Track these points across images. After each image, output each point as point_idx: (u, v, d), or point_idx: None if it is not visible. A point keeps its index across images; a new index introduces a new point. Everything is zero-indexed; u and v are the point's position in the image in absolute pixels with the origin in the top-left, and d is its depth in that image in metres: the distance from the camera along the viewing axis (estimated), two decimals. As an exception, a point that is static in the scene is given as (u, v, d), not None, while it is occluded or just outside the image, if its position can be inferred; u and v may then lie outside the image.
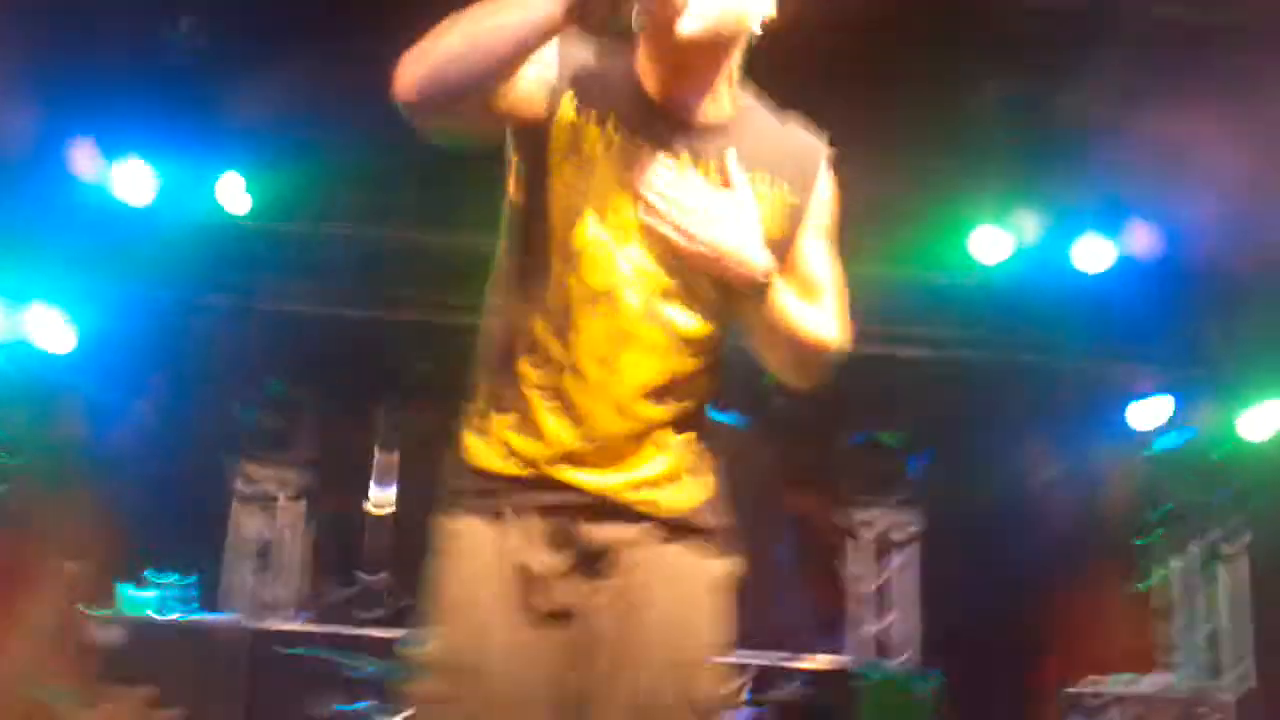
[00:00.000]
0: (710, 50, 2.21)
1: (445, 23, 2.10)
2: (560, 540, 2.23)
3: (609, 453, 2.25)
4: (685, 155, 2.24)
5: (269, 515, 7.56)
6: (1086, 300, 7.00)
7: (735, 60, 2.28)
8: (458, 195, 6.98)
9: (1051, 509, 7.46)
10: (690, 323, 2.25)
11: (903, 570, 7.80)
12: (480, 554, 2.24)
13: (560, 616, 2.21)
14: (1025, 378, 7.36)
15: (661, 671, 2.20)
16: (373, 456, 7.12)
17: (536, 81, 2.20)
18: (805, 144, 2.36)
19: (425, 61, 2.10)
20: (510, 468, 2.26)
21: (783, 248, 2.28)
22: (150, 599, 6.68)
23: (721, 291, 2.24)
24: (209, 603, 7.09)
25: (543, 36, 2.08)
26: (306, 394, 7.52)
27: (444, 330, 7.31)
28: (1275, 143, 5.72)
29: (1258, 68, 5.76)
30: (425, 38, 2.11)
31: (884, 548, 7.84)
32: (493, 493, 2.26)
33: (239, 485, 7.52)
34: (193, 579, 6.89)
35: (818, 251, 2.35)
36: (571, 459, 2.24)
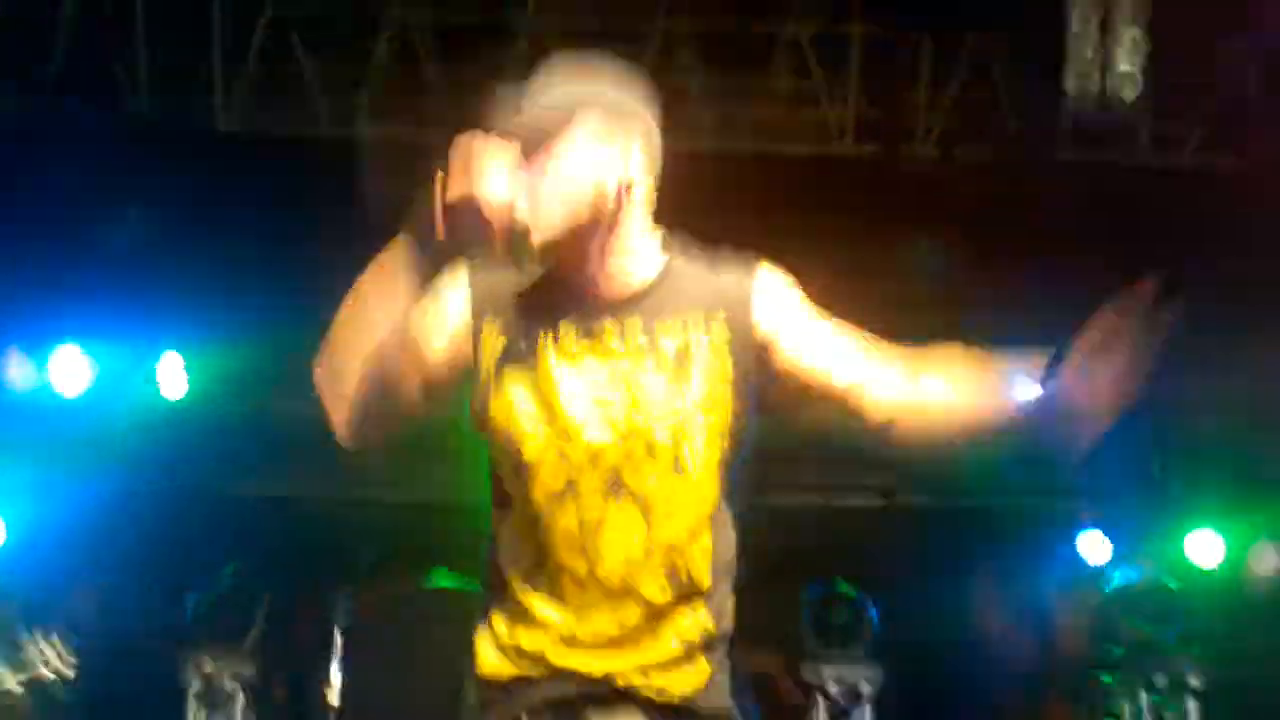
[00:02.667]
0: (574, 245, 2.21)
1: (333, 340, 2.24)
2: None
3: (613, 638, 2.21)
4: (614, 333, 2.24)
5: (223, 709, 7.37)
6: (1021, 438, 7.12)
7: (631, 220, 2.25)
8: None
9: (1009, 651, 7.44)
10: (659, 484, 2.21)
11: (869, 722, 7.71)
12: None
13: None
14: (971, 521, 7.41)
15: None
16: (331, 640, 6.98)
17: (453, 338, 2.25)
18: (737, 272, 2.31)
19: (345, 413, 2.24)
20: (519, 669, 2.23)
21: (742, 384, 2.25)
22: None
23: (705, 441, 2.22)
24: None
25: (407, 294, 2.18)
26: (257, 581, 7.40)
27: (400, 509, 7.28)
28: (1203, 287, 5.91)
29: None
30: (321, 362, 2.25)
31: (850, 701, 7.75)
32: (505, 701, 2.23)
33: (190, 679, 7.34)
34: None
35: (821, 330, 2.30)
36: (574, 643, 2.20)
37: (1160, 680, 7.20)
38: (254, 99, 6.39)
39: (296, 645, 7.50)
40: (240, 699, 7.31)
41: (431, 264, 2.15)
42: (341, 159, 5.87)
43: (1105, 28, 5.91)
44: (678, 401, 2.21)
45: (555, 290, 2.27)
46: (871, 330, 2.32)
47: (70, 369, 6.69)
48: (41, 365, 6.69)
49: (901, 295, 6.60)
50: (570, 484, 2.20)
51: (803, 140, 6.50)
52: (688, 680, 2.23)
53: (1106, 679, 7.40)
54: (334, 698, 6.56)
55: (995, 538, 7.49)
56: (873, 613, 7.70)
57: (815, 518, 6.67)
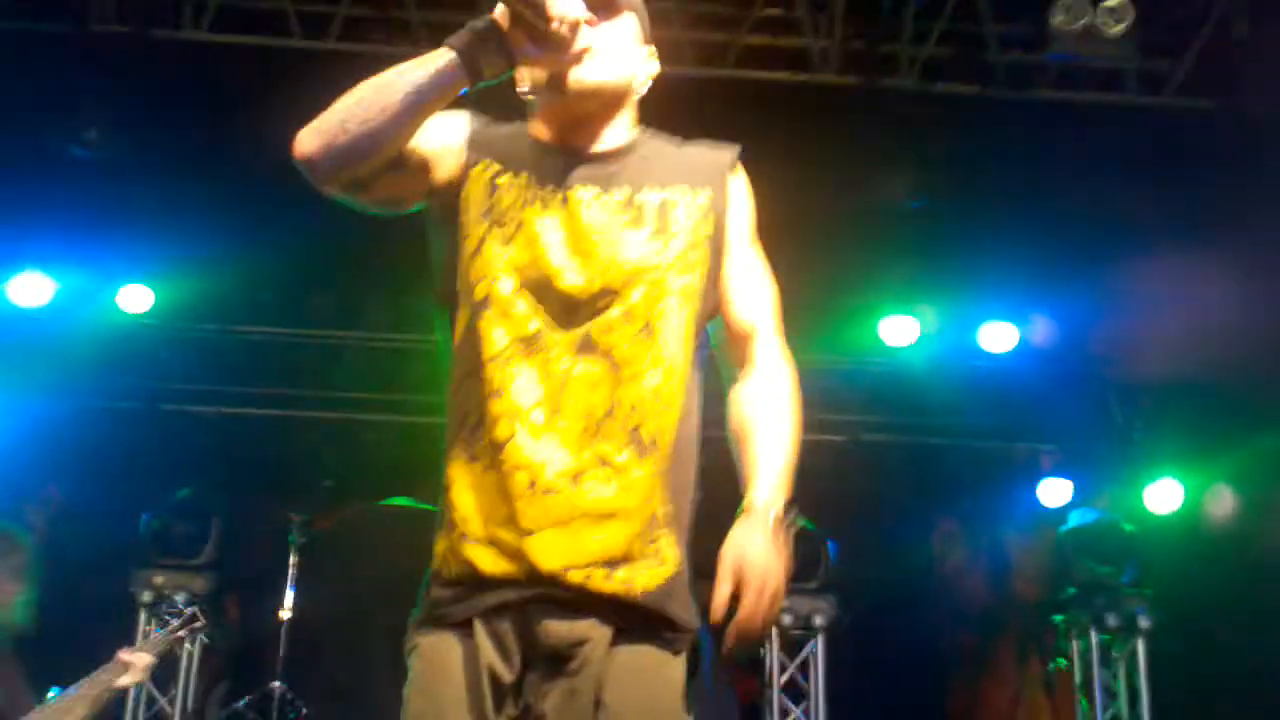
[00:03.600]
0: (599, 103, 2.33)
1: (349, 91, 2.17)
2: (525, 643, 2.17)
3: (563, 517, 2.15)
4: (595, 187, 2.30)
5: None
6: (991, 383, 7.17)
7: (629, 111, 2.40)
8: (366, 296, 6.95)
9: (964, 591, 7.50)
10: (628, 345, 2.22)
11: (819, 655, 7.77)
12: (449, 669, 2.18)
13: (523, 718, 2.16)
14: (935, 460, 7.44)
15: None
16: (286, 560, 6.96)
17: (442, 149, 2.29)
18: (715, 151, 2.43)
19: (326, 120, 2.17)
20: (477, 567, 2.18)
21: (716, 243, 2.34)
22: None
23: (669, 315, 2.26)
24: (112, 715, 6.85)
25: (440, 92, 2.17)
26: (213, 499, 7.36)
27: (355, 427, 7.22)
28: (1171, 233, 5.91)
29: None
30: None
31: (804, 634, 7.80)
32: (459, 599, 2.20)
33: (142, 594, 7.31)
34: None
35: (749, 260, 2.40)
36: (525, 533, 2.14)
37: (1111, 620, 7.28)
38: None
39: (251, 563, 7.47)
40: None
41: (467, 72, 2.17)
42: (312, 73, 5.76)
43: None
44: (655, 258, 2.25)
45: (544, 147, 2.35)
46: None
47: (33, 286, 6.60)
48: (2, 282, 6.61)
49: (869, 230, 6.60)
50: (539, 333, 2.20)
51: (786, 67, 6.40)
52: (652, 574, 2.19)
53: (1058, 618, 7.48)
54: (284, 614, 6.53)
55: (955, 478, 7.54)
56: (831, 547, 7.73)
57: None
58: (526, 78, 2.31)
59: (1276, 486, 6.49)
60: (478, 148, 2.32)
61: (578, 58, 2.24)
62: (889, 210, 6.56)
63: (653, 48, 2.46)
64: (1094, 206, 6.13)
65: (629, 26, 2.37)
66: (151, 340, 7.19)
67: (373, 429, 7.55)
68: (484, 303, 2.23)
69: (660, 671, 2.19)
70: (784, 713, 7.63)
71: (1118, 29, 5.76)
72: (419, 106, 2.16)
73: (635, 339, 2.22)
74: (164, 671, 7.05)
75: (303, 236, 5.84)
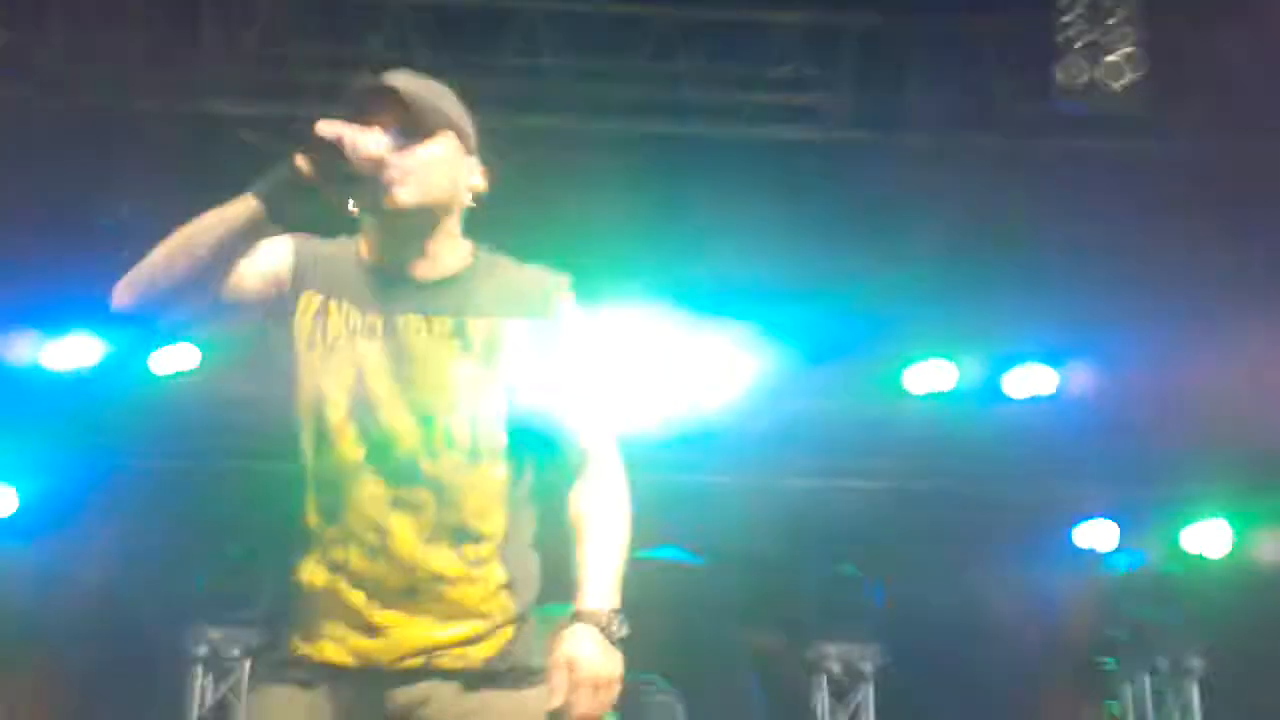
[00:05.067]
0: (417, 222, 2.37)
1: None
2: (370, 707, 2.28)
3: (401, 621, 2.29)
4: (422, 315, 2.35)
5: (225, 677, 7.43)
6: (1027, 427, 7.15)
7: (455, 223, 2.43)
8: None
9: (1010, 635, 7.46)
10: (455, 471, 2.31)
11: (869, 703, 7.73)
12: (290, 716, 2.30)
13: None
14: (974, 506, 7.42)
15: None
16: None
17: (267, 278, 2.34)
18: (544, 279, 2.48)
19: (137, 274, 2.27)
20: (326, 658, 2.30)
21: (545, 365, 2.40)
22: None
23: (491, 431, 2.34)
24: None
25: (245, 238, 2.25)
26: (263, 552, 7.43)
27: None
28: (1205, 274, 5.91)
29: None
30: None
31: (853, 681, 7.77)
32: (307, 672, 2.32)
33: (193, 648, 7.39)
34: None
35: (578, 377, 2.45)
36: (373, 630, 2.28)
37: (1162, 664, 7.22)
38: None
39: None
40: (246, 667, 7.36)
41: (271, 218, 2.23)
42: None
43: (1095, 16, 5.87)
44: (483, 386, 2.34)
45: (371, 270, 2.40)
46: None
47: (74, 349, 6.73)
48: (46, 345, 6.72)
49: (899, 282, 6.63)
50: (368, 458, 2.30)
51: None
52: (490, 643, 2.32)
53: (1109, 663, 7.42)
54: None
55: (1000, 522, 7.50)
56: (876, 594, 7.72)
57: (820, 501, 6.67)
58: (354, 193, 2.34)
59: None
60: (304, 276, 2.38)
61: (388, 183, 2.28)
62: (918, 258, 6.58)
63: (475, 160, 2.48)
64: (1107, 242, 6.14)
65: (444, 145, 2.38)
66: (197, 398, 7.23)
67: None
68: (318, 428, 2.32)
69: (513, 708, 2.31)
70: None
71: (1123, 82, 5.78)
72: (223, 255, 2.24)
73: (462, 466, 2.32)
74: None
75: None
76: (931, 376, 7.09)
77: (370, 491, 2.29)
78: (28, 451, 6.75)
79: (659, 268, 6.56)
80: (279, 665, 2.36)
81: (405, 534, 2.29)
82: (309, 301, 2.36)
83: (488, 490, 2.33)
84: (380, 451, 2.30)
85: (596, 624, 2.25)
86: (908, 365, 7.09)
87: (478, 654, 2.30)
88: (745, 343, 6.83)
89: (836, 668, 7.72)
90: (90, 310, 6.73)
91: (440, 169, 2.36)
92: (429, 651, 2.28)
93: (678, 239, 6.35)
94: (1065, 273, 6.35)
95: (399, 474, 2.30)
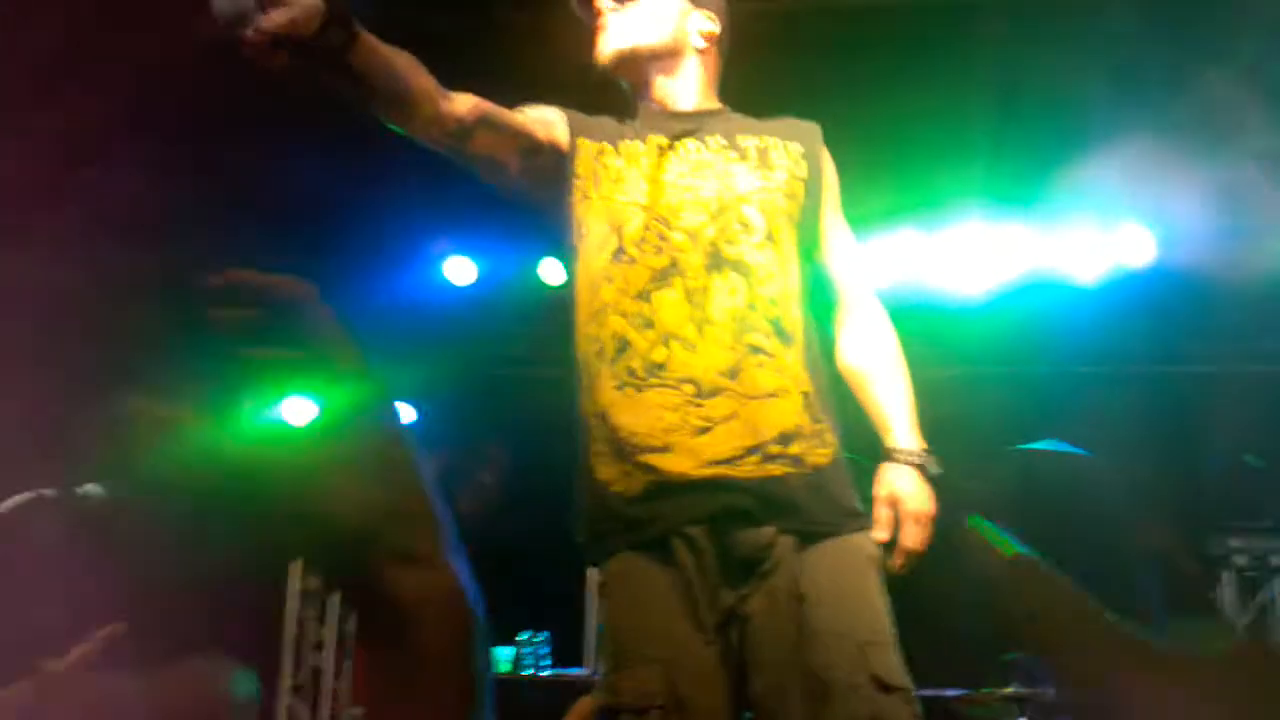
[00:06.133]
0: (639, 64, 2.59)
1: None
2: (719, 555, 2.30)
3: (732, 410, 2.29)
4: (696, 135, 2.51)
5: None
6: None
7: (697, 67, 2.61)
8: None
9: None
10: (754, 252, 2.40)
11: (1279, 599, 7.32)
12: (653, 582, 2.30)
13: (730, 624, 2.29)
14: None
15: (837, 654, 2.22)
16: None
17: (542, 118, 2.51)
18: (801, 122, 2.62)
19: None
20: (660, 469, 2.30)
21: (811, 189, 2.50)
22: (506, 657, 6.98)
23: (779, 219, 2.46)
24: (564, 659, 7.25)
25: None
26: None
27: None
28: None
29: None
30: None
31: (1261, 577, 7.37)
32: (652, 517, 2.31)
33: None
34: (544, 636, 7.09)
35: (841, 221, 2.61)
36: (696, 428, 2.28)
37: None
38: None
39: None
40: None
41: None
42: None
43: None
44: (761, 183, 2.44)
45: (641, 111, 2.63)
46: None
47: (462, 267, 7.11)
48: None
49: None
50: (673, 261, 2.37)
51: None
52: (820, 453, 2.34)
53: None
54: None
55: None
56: (1282, 482, 7.26)
57: (1222, 388, 6.23)
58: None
59: None
60: (580, 126, 2.55)
61: (595, 37, 2.56)
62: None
63: (707, 11, 2.66)
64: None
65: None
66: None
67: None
68: (614, 247, 2.40)
69: (845, 551, 2.32)
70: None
71: None
72: None
73: (759, 247, 2.39)
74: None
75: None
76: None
77: (680, 288, 2.38)
78: (423, 369, 7.16)
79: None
80: (624, 527, 2.40)
81: (722, 316, 2.43)
82: (589, 143, 2.53)
83: (788, 274, 2.44)
84: (683, 250, 2.39)
85: (911, 461, 2.35)
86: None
87: (810, 458, 2.37)
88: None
89: (1242, 560, 7.34)
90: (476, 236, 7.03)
91: (643, 22, 2.57)
92: (760, 445, 2.42)
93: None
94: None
95: (704, 266, 2.40)
